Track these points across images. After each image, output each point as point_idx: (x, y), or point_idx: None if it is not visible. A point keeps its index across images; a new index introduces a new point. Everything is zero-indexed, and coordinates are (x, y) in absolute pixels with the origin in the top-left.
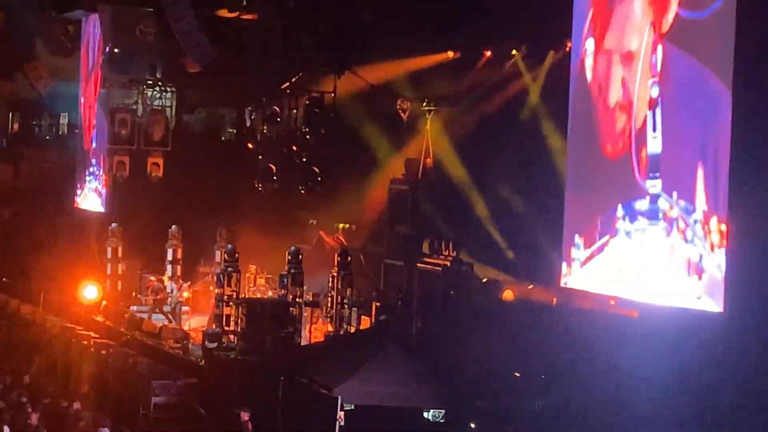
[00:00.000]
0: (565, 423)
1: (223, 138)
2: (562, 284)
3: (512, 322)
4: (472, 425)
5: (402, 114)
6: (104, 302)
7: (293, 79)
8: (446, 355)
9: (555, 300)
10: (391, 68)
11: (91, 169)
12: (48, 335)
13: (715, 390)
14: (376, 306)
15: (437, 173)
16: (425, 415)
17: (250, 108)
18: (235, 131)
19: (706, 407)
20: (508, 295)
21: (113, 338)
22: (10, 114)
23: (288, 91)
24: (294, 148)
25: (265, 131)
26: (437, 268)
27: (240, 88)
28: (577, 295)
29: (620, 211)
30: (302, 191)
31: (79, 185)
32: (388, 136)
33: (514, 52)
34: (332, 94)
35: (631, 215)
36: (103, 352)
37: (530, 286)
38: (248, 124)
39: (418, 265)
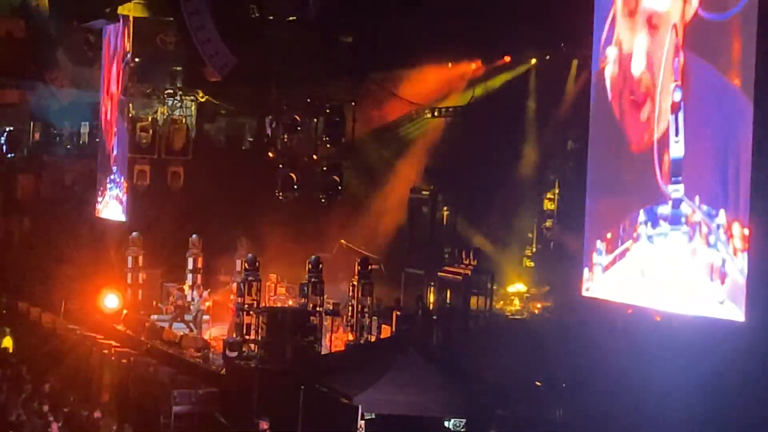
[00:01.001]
0: (586, 431)
1: (243, 147)
2: (583, 290)
3: (533, 331)
4: None
5: (421, 121)
6: (125, 311)
7: (314, 88)
8: (467, 363)
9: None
10: (412, 78)
11: (112, 177)
12: (69, 344)
13: (736, 398)
14: (396, 315)
15: (455, 180)
16: (446, 424)
17: (270, 117)
18: (255, 140)
19: (727, 416)
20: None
21: (134, 347)
22: (32, 123)
23: (308, 100)
24: (314, 157)
25: (285, 140)
26: (458, 277)
27: (260, 97)
28: (597, 304)
29: (642, 216)
30: (323, 200)
31: (100, 192)
32: (405, 146)
33: (533, 61)
34: (353, 103)
35: (654, 220)
36: (124, 361)
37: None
38: (268, 132)
39: (439, 273)
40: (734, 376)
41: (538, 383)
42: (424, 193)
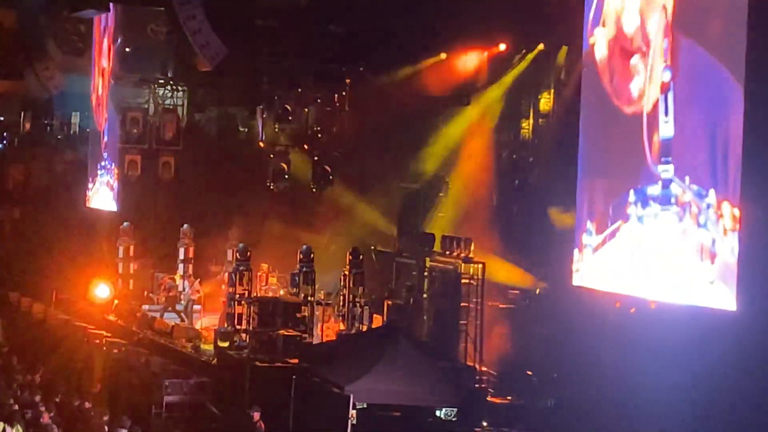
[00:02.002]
0: (577, 421)
1: (234, 137)
2: (574, 270)
3: (524, 321)
4: (485, 423)
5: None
6: (116, 301)
7: (305, 78)
8: (458, 353)
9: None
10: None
11: (103, 163)
12: (60, 334)
13: (727, 385)
14: (387, 305)
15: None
16: (437, 413)
17: (261, 107)
18: (246, 130)
19: (718, 405)
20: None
21: (125, 337)
22: (22, 113)
23: (299, 90)
24: (306, 146)
25: (277, 130)
26: (449, 266)
27: (252, 86)
28: (588, 293)
29: (632, 197)
30: (314, 190)
31: (91, 179)
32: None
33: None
34: (344, 93)
35: (644, 200)
36: (115, 351)
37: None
38: (260, 123)
39: (430, 263)
40: (725, 364)
41: (529, 373)
42: (414, 185)
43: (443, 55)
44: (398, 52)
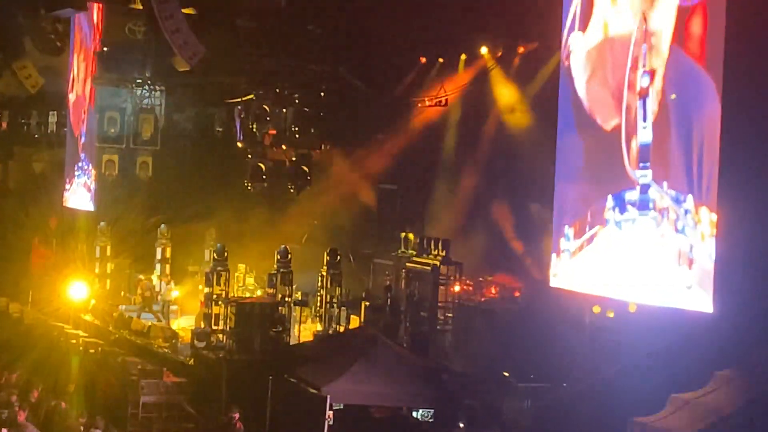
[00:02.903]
0: (554, 422)
1: (212, 137)
2: (552, 274)
3: (502, 322)
4: (461, 424)
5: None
6: (93, 301)
7: (283, 79)
8: (435, 354)
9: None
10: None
11: (80, 164)
12: (36, 334)
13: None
14: (365, 305)
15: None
16: (414, 414)
17: (239, 107)
18: (224, 130)
19: None
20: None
21: (102, 337)
22: None
23: (277, 90)
24: (283, 147)
25: (254, 130)
26: (426, 267)
27: (229, 87)
28: (566, 295)
29: (610, 202)
30: (291, 190)
31: (68, 179)
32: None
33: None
34: (322, 94)
35: (621, 206)
36: (92, 350)
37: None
38: (238, 123)
39: (407, 264)
40: (702, 365)
41: (505, 374)
42: (392, 185)
43: (422, 58)
44: (377, 53)
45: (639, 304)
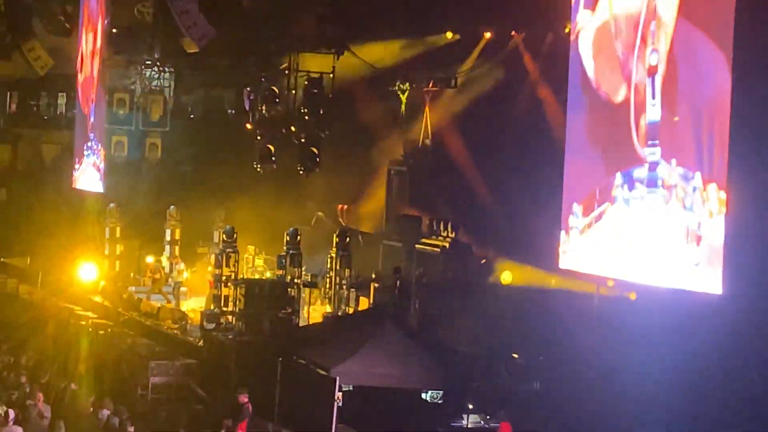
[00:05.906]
0: (563, 404)
1: (221, 119)
2: (561, 251)
3: (511, 304)
4: (470, 406)
5: (401, 95)
6: (102, 282)
7: (292, 60)
8: (444, 336)
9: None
10: (391, 49)
11: (90, 144)
12: (46, 315)
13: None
14: (374, 287)
15: (436, 154)
16: (423, 395)
17: (248, 89)
18: (233, 112)
19: (703, 385)
20: (506, 277)
21: (111, 319)
22: (8, 94)
23: (287, 71)
24: (292, 128)
25: (263, 112)
26: (436, 249)
27: (238, 68)
28: (575, 276)
29: (619, 179)
30: (301, 172)
31: (77, 160)
32: (386, 117)
33: (513, 33)
34: (331, 75)
35: (630, 183)
36: (102, 332)
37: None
38: (247, 104)
39: (417, 246)
40: (710, 347)
41: (515, 355)
42: (402, 166)
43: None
44: (385, 33)
45: (646, 286)
